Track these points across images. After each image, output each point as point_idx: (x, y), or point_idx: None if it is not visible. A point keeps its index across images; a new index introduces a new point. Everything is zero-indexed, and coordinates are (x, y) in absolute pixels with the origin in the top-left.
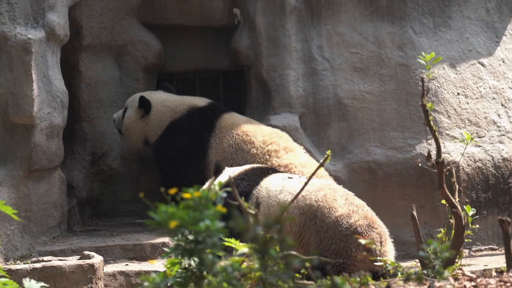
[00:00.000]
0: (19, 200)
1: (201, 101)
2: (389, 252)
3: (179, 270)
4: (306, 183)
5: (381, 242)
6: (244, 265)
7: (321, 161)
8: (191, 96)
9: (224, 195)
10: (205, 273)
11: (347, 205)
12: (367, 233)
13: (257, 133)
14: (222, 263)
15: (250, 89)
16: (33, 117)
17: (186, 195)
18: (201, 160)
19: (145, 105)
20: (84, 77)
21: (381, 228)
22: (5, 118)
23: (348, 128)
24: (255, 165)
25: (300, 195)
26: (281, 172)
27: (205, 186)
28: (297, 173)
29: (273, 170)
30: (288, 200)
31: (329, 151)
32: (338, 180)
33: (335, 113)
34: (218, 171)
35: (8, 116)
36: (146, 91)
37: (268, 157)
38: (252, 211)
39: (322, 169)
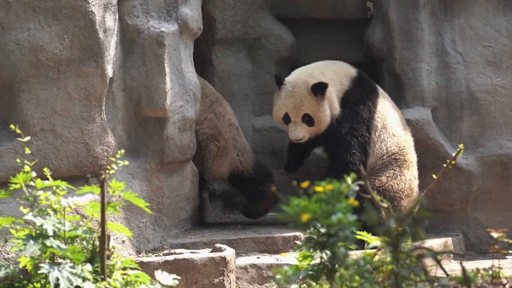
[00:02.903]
0: (151, 193)
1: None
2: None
3: (311, 263)
4: (438, 179)
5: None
6: (376, 258)
7: (453, 154)
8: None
9: (357, 188)
10: (337, 266)
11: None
12: (207, 142)
13: (399, 124)
14: (354, 256)
15: (382, 83)
16: (165, 110)
17: (318, 188)
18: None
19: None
20: (217, 70)
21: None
22: (138, 111)
23: (481, 121)
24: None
25: None
26: None
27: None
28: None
29: None
30: None
31: (461, 145)
32: (470, 173)
33: (467, 106)
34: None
35: (141, 109)
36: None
37: (404, 151)
38: (385, 205)
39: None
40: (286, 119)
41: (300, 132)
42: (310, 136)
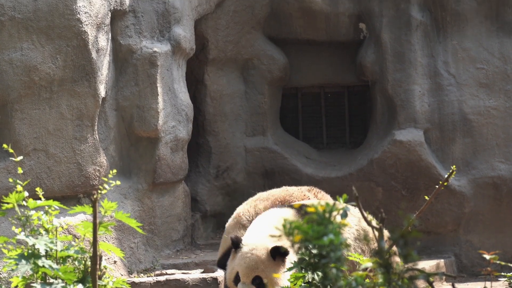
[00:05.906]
0: (143, 213)
1: None
2: None
3: (303, 284)
4: (430, 199)
5: None
6: (368, 279)
7: (446, 176)
8: None
9: (349, 209)
10: (328, 287)
11: None
12: None
13: None
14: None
15: (375, 104)
16: (158, 130)
17: (310, 209)
18: None
19: None
20: (209, 90)
21: None
22: (130, 131)
23: (473, 143)
24: None
25: None
26: None
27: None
28: None
29: None
30: None
31: (454, 166)
32: (462, 195)
33: (460, 128)
34: None
35: (133, 129)
36: None
37: None
38: (377, 226)
39: None
40: (237, 279)
41: None
42: None
